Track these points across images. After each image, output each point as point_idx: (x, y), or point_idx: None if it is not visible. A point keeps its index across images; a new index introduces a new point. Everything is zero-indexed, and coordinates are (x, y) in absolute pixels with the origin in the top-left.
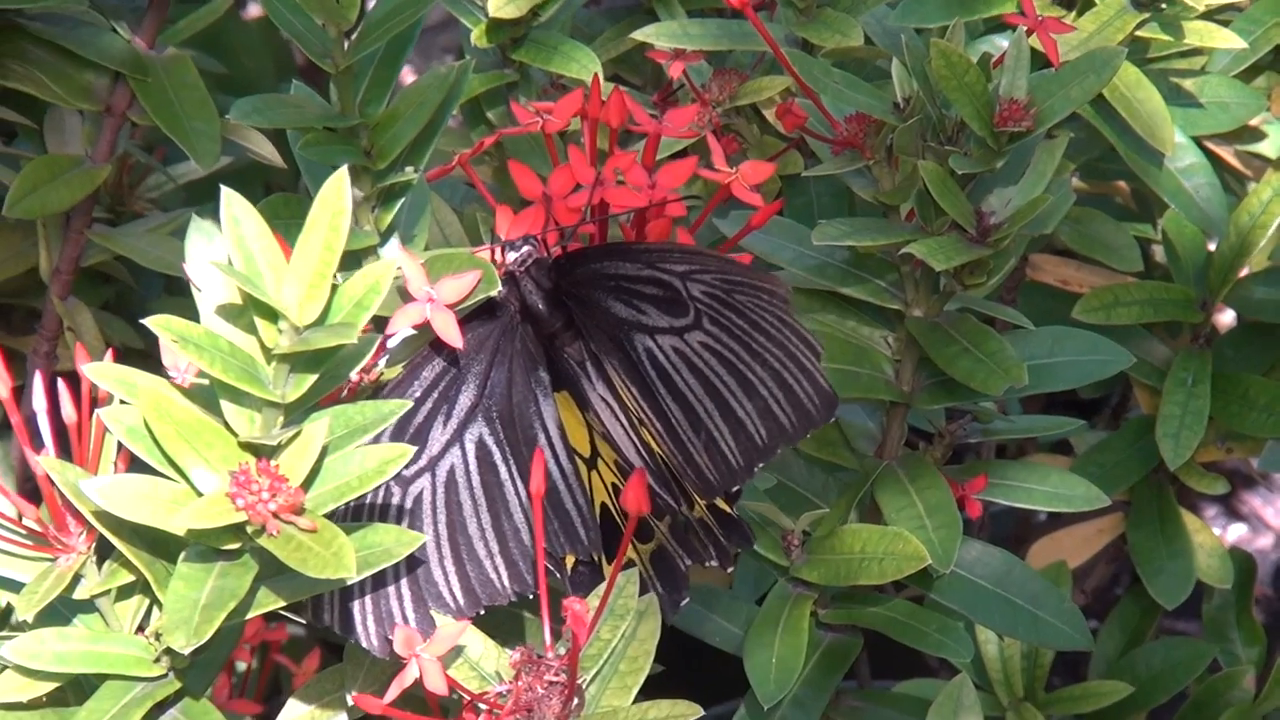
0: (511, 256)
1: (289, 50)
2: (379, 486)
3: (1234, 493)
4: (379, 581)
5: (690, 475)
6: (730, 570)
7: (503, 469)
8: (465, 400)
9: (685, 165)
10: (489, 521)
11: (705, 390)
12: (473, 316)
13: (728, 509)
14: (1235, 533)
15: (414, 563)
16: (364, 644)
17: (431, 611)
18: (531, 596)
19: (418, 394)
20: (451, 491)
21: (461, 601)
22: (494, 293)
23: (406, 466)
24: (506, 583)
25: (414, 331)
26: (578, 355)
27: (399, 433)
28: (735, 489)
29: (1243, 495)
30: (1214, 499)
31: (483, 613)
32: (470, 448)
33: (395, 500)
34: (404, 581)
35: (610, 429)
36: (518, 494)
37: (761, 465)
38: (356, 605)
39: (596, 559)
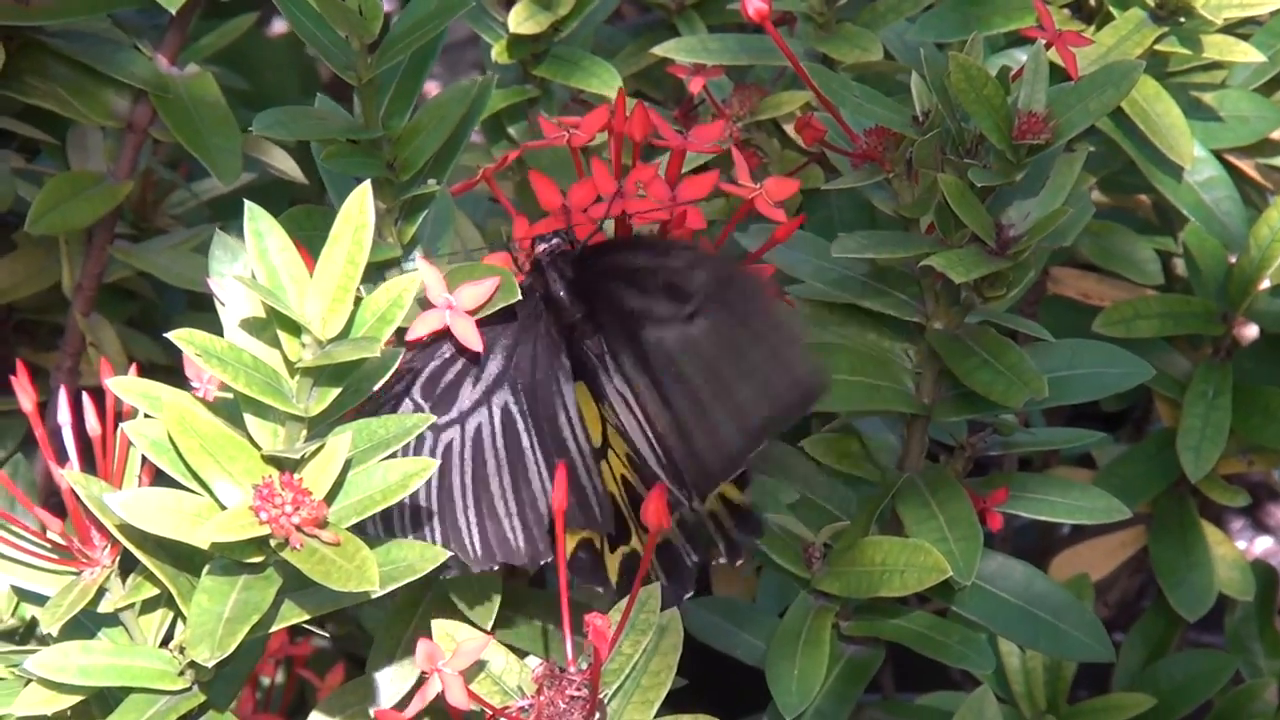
0: (541, 247)
1: (313, 67)
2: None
3: (1260, 506)
4: (415, 516)
5: (693, 468)
6: (739, 564)
7: (525, 438)
8: (493, 368)
9: (707, 179)
10: (509, 484)
11: (706, 378)
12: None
13: (739, 499)
14: (1262, 545)
15: (444, 503)
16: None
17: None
18: (544, 563)
19: (447, 355)
20: (478, 448)
21: (479, 553)
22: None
23: (439, 418)
24: (521, 544)
25: None
26: (597, 348)
27: (430, 386)
28: (742, 476)
29: (1269, 508)
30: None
31: (496, 568)
32: (496, 412)
33: (428, 445)
34: (435, 521)
35: (625, 422)
36: (537, 464)
37: (753, 453)
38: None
39: (598, 546)
